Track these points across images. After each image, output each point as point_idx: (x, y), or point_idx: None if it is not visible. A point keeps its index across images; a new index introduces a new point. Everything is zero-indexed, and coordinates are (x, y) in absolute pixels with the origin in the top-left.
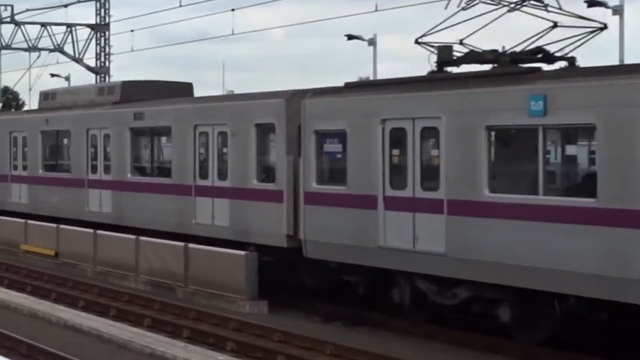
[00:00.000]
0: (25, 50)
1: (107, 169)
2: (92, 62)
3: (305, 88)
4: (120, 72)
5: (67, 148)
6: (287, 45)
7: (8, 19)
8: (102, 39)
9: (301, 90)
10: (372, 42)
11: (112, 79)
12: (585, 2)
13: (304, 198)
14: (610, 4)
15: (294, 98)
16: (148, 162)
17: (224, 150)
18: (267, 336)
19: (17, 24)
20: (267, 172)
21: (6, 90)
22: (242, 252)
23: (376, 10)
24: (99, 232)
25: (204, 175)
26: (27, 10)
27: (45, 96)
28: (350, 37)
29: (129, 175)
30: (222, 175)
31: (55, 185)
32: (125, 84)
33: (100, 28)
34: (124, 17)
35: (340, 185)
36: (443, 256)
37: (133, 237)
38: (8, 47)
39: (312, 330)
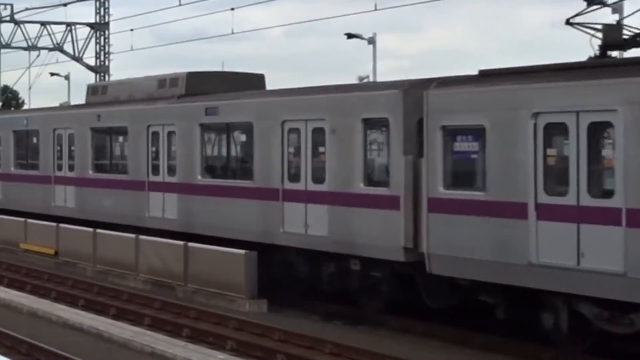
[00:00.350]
0: (24, 49)
1: (171, 170)
2: (91, 61)
3: (423, 77)
4: (120, 71)
5: (122, 146)
6: (287, 44)
7: (8, 18)
8: (102, 38)
9: (420, 80)
10: (371, 40)
11: (112, 78)
12: (585, 0)
13: (427, 205)
14: (609, 1)
15: (413, 89)
16: (223, 163)
17: (320, 149)
18: (267, 335)
19: (17, 23)
20: (377, 175)
21: (6, 89)
22: (242, 251)
23: (375, 9)
24: (99, 230)
25: (294, 177)
26: (27, 9)
27: (93, 90)
28: (350, 35)
29: (199, 177)
30: (317, 178)
31: (108, 187)
32: (192, 75)
33: (99, 27)
34: (124, 16)
35: (477, 190)
36: (621, 276)
37: (133, 235)
38: (8, 46)
39: (311, 329)
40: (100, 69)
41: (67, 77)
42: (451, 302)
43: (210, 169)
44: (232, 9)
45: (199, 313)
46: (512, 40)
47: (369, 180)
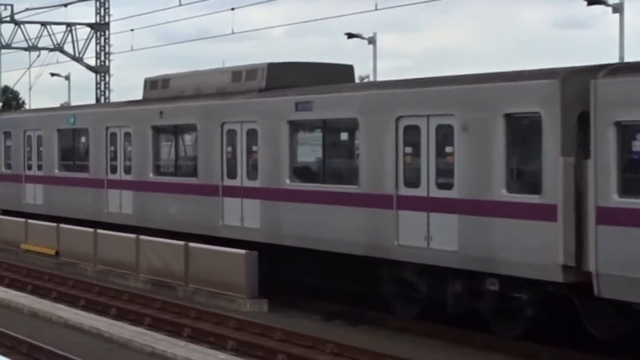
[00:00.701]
0: (25, 49)
1: (251, 174)
2: (92, 62)
3: (584, 65)
4: (121, 71)
5: (190, 146)
6: (288, 44)
7: (8, 19)
8: (102, 38)
9: (581, 68)
10: (372, 40)
11: (112, 79)
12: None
13: (595, 216)
14: (610, 2)
15: (573, 77)
16: (318, 165)
17: (447, 149)
18: (268, 335)
19: (17, 23)
20: (524, 180)
21: (6, 89)
22: (242, 251)
23: (376, 9)
24: (99, 231)
25: (412, 182)
26: (27, 9)
27: (152, 84)
28: (350, 35)
29: (288, 181)
30: (443, 183)
31: (173, 192)
32: (273, 67)
33: (100, 27)
34: (124, 16)
35: None
36: None
37: (133, 236)
38: (8, 46)
39: (312, 329)
40: (101, 69)
41: (67, 78)
42: (621, 331)
43: (301, 172)
44: (233, 8)
45: (200, 313)
46: (512, 40)
47: (514, 186)
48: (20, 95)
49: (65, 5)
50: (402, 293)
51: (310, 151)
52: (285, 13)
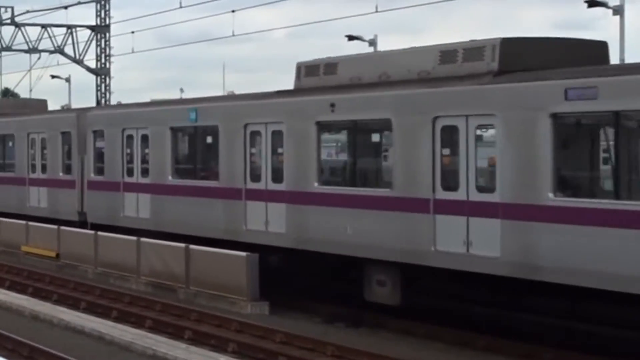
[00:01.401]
0: (25, 51)
1: (486, 186)
2: (92, 64)
3: None
4: (121, 73)
5: (376, 148)
6: (288, 46)
7: (8, 21)
8: (103, 40)
9: None
10: (372, 42)
11: (113, 81)
12: (586, 2)
13: None
14: (611, 4)
15: None
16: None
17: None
18: (269, 337)
19: (18, 25)
20: None
21: (7, 91)
22: (243, 253)
23: (377, 11)
24: (100, 233)
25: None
26: (28, 11)
27: (310, 69)
28: (351, 37)
29: (551, 195)
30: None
31: (354, 206)
32: (508, 43)
33: (100, 29)
34: (125, 19)
35: None
36: None
37: (134, 238)
38: (8, 48)
39: (313, 331)
40: (101, 72)
41: (68, 80)
42: None
43: (569, 183)
44: (233, 10)
45: (201, 315)
46: None
47: None
48: (21, 98)
49: (66, 7)
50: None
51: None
52: (286, 15)
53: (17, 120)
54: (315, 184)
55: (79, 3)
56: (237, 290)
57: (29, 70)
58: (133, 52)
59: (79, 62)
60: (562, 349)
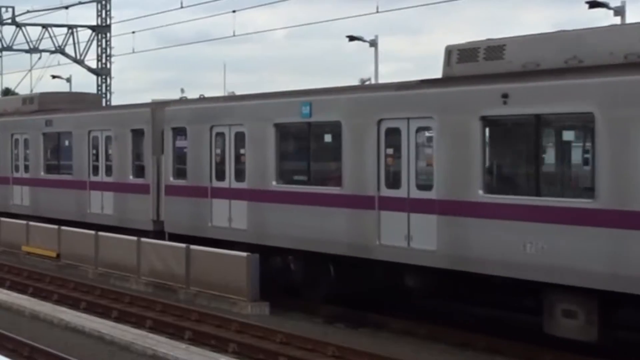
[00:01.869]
0: (26, 51)
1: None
2: (93, 64)
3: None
4: (122, 73)
5: (561, 149)
6: (289, 47)
7: (9, 21)
8: (103, 41)
9: None
10: (373, 43)
11: (113, 81)
12: (587, 2)
13: None
14: (612, 4)
15: None
16: None
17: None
18: (269, 338)
19: (18, 25)
20: None
21: (7, 91)
22: (244, 254)
23: (377, 12)
24: (100, 233)
25: None
26: (28, 11)
27: (464, 54)
28: (352, 38)
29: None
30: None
31: (539, 220)
32: None
33: (101, 29)
34: (125, 19)
35: None
36: None
37: (134, 238)
38: (9, 48)
39: (314, 332)
40: (102, 72)
41: (68, 80)
42: None
43: None
44: (234, 11)
45: (201, 315)
46: None
47: None
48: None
49: (67, 7)
50: None
51: None
52: (286, 15)
53: (76, 116)
54: (480, 192)
55: (80, 3)
56: (238, 291)
57: (30, 70)
58: (134, 52)
59: (80, 62)
60: (563, 352)
